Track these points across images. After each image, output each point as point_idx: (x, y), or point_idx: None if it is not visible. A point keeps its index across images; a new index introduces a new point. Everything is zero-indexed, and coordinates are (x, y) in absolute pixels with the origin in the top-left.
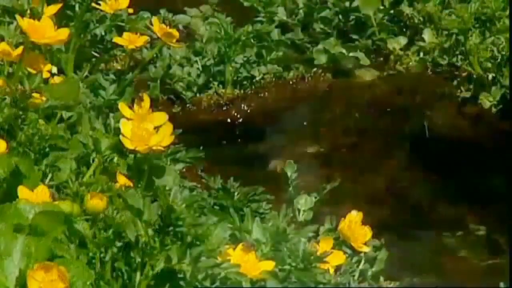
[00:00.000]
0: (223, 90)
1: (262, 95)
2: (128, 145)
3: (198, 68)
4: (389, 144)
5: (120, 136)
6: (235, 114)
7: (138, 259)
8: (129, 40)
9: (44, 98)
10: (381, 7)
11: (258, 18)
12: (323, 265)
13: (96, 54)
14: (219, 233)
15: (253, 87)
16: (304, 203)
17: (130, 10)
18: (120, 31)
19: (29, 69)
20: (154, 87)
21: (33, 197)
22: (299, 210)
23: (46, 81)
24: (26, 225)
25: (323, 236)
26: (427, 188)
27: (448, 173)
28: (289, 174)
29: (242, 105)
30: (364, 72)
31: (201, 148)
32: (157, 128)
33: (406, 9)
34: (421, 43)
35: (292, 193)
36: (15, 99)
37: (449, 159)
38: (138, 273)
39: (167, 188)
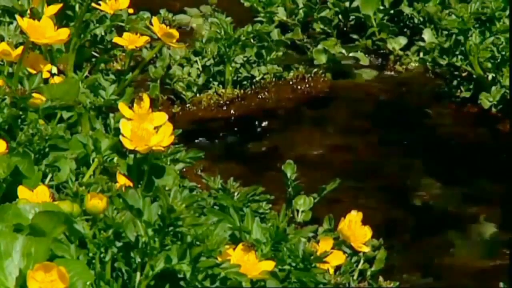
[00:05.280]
0: (223, 90)
1: (262, 95)
2: (128, 145)
3: (198, 68)
4: (389, 144)
5: (120, 136)
6: (235, 114)
7: (138, 259)
8: (129, 40)
9: (44, 98)
10: (381, 7)
11: (258, 18)
12: (323, 265)
13: (96, 54)
14: (219, 233)
15: (253, 87)
16: (303, 203)
17: (130, 10)
18: (120, 31)
19: (29, 69)
20: (154, 87)
21: (33, 197)
22: (298, 211)
23: (46, 81)
24: (26, 225)
25: (322, 236)
26: (426, 188)
27: (448, 173)
28: (288, 174)
29: (242, 105)
30: (364, 72)
31: (201, 148)
32: (157, 128)
33: (406, 9)
34: (421, 43)
35: (291, 194)
36: (15, 99)
37: (448, 159)
38: (138, 273)
39: (167, 188)
